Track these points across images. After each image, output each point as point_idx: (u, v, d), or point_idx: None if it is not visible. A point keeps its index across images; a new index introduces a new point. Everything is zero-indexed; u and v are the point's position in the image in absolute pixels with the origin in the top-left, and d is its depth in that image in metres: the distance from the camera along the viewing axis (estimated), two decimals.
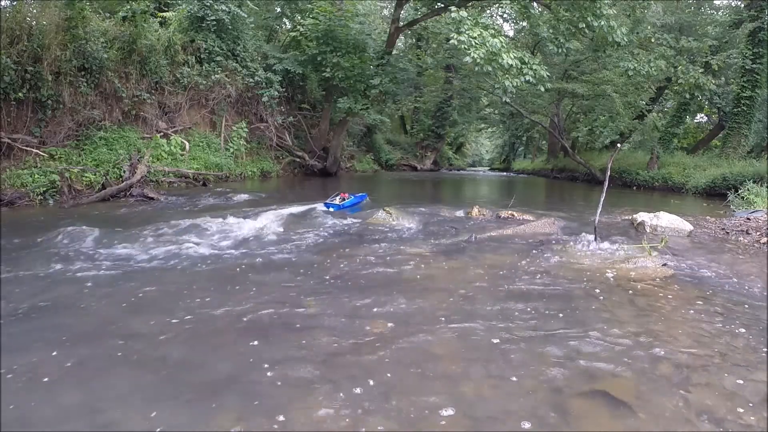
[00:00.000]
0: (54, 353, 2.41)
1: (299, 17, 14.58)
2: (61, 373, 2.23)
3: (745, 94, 15.59)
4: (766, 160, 13.52)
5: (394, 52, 16.73)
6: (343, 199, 8.02)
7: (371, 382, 2.22)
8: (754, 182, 10.46)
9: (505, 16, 22.57)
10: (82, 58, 8.49)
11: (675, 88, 16.10)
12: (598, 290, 3.66)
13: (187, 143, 10.86)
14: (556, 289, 3.69)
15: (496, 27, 12.39)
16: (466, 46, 9.54)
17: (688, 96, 15.87)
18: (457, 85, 22.52)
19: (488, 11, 20.41)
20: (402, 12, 15.61)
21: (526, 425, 1.93)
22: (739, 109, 15.83)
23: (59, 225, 5.12)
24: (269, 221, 5.95)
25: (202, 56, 11.92)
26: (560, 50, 11.64)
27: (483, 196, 14.24)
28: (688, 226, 6.37)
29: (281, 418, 1.94)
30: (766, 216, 7.16)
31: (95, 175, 7.94)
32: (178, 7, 12.04)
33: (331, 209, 7.36)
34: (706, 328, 2.98)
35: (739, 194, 9.73)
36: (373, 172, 21.02)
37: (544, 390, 2.19)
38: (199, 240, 4.90)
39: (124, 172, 8.26)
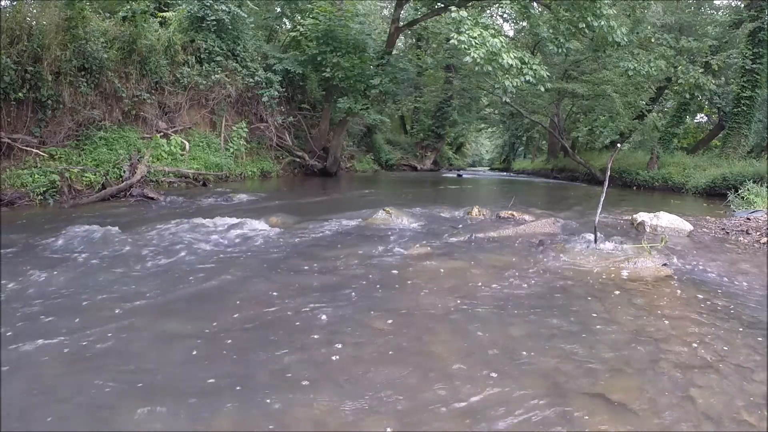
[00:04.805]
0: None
1: (299, 17, 14.56)
2: (62, 372, 2.23)
3: (745, 94, 15.58)
4: (766, 160, 13.52)
5: (394, 52, 16.71)
6: None
7: (371, 382, 2.22)
8: (754, 182, 10.44)
9: (505, 16, 22.59)
10: (82, 58, 8.47)
11: (675, 88, 16.11)
12: (597, 290, 3.66)
13: (187, 143, 10.85)
14: (556, 288, 3.69)
15: (496, 27, 12.39)
16: (466, 46, 9.54)
17: (688, 96, 15.88)
18: (457, 85, 22.51)
19: (488, 11, 20.41)
20: (402, 12, 15.59)
21: (527, 425, 1.93)
22: (739, 109, 15.82)
23: (59, 225, 5.12)
24: (268, 221, 5.94)
25: (202, 56, 11.91)
26: (560, 50, 11.65)
27: (484, 195, 14.22)
28: (688, 226, 6.36)
29: (280, 417, 1.94)
30: (766, 216, 7.15)
31: (95, 175, 7.93)
32: (178, 7, 12.03)
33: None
34: (706, 327, 2.99)
35: (739, 194, 9.72)
36: (373, 172, 21.00)
37: (545, 390, 2.19)
38: (197, 239, 4.90)
39: (124, 172, 8.25)
